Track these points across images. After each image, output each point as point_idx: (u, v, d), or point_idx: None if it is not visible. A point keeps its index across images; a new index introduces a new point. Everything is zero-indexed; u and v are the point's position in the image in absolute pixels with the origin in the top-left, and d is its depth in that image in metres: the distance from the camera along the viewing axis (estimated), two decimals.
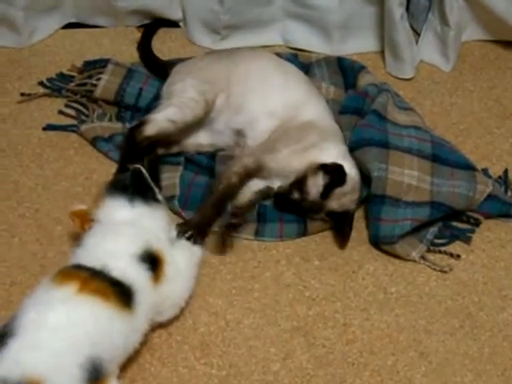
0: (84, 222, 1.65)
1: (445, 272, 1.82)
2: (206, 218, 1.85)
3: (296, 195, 1.88)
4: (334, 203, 1.87)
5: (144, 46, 2.34)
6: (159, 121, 1.93)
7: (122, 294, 1.47)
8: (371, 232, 1.89)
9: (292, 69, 2.10)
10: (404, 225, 1.86)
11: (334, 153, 1.91)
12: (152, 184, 1.70)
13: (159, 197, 1.71)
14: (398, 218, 1.88)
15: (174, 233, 1.72)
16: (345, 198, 1.87)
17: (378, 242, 1.87)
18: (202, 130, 2.02)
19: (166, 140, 1.99)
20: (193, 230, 1.77)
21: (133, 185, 1.66)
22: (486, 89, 2.35)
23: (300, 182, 1.87)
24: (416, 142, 1.98)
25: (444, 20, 2.33)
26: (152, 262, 1.55)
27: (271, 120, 1.96)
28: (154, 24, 2.44)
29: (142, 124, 1.93)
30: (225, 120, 2.00)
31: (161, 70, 2.20)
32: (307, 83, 2.08)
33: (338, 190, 1.85)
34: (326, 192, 1.85)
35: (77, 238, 1.66)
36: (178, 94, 1.99)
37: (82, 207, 1.69)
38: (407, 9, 2.33)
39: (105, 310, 1.44)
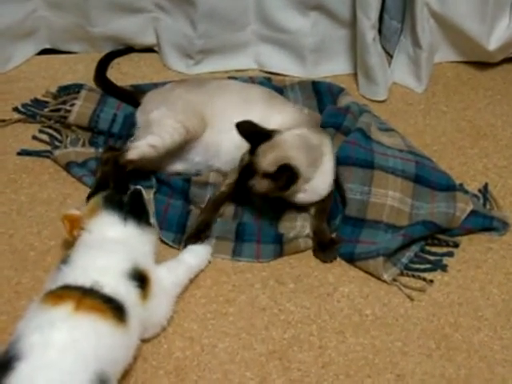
0: (74, 227, 1.67)
1: (413, 298, 1.81)
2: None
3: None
4: (264, 160, 1.84)
5: (100, 78, 2.34)
6: (141, 146, 1.95)
7: (115, 309, 1.49)
8: (346, 250, 1.89)
9: (254, 94, 2.08)
10: (380, 248, 1.86)
11: (278, 118, 1.95)
12: (148, 208, 1.75)
13: (152, 221, 1.78)
14: (376, 240, 1.89)
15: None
16: (272, 153, 1.84)
17: (352, 260, 1.87)
18: (178, 158, 2.03)
19: (148, 165, 2.01)
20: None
21: (130, 204, 1.70)
22: (459, 109, 2.37)
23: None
24: (400, 163, 2.00)
25: (416, 42, 2.35)
26: (140, 280, 1.58)
27: (239, 151, 1.96)
28: (107, 57, 2.44)
29: (124, 151, 1.95)
30: (198, 154, 2.03)
31: (124, 96, 2.23)
32: (268, 102, 2.06)
33: (261, 146, 1.85)
34: (251, 148, 1.86)
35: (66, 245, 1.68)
36: (157, 122, 2.00)
37: (76, 212, 1.70)
38: (380, 31, 2.35)
39: (104, 325, 1.47)
